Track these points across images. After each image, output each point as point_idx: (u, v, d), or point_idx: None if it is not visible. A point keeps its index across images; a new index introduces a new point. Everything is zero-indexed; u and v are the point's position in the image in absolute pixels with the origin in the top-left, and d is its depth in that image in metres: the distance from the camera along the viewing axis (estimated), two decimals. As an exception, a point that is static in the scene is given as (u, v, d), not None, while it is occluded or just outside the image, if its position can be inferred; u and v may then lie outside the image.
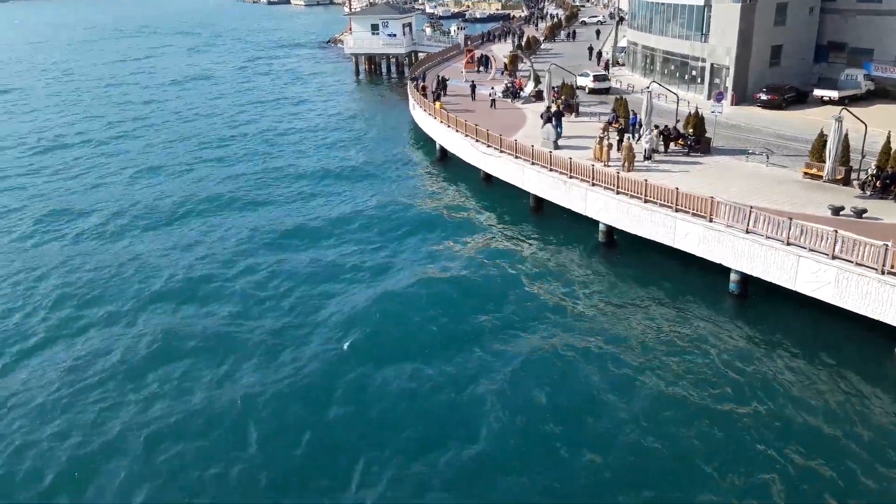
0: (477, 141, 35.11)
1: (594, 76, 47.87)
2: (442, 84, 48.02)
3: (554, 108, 36.51)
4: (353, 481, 16.09)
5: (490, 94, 44.68)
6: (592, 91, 46.25)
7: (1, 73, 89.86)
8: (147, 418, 18.46)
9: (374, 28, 73.07)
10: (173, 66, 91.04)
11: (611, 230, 27.75)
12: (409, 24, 76.77)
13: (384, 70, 76.95)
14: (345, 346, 21.52)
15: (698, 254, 24.09)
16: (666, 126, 32.63)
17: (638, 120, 33.92)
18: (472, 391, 19.20)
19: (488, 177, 35.38)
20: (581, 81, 46.69)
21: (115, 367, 20.77)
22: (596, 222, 28.02)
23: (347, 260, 27.99)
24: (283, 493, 15.86)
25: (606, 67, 52.77)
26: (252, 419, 18.29)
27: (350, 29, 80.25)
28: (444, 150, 40.95)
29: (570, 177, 28.74)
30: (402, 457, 16.73)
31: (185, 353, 21.40)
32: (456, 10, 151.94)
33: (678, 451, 16.52)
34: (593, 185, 27.64)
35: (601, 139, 31.04)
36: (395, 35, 72.80)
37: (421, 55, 71.73)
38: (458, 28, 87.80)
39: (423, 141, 44.79)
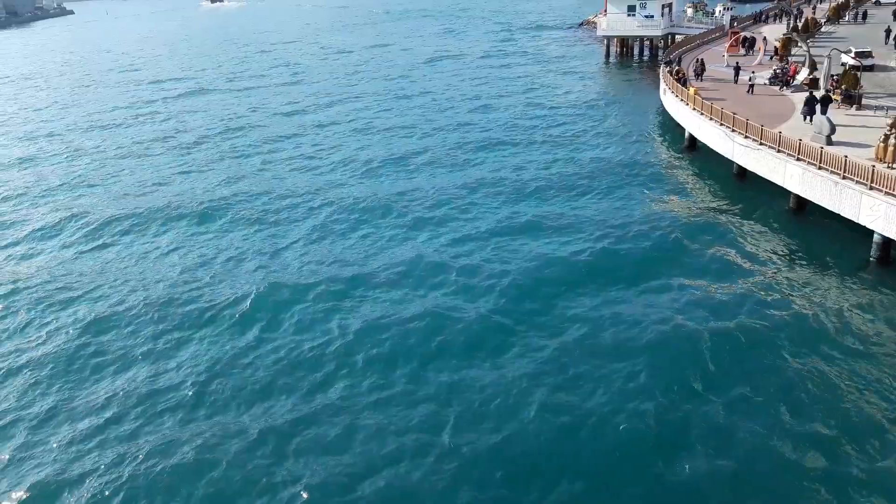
0: (733, 131, 32.13)
1: (856, 53, 42.99)
2: (699, 67, 44.75)
3: (820, 95, 32.10)
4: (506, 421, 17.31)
5: (750, 80, 40.79)
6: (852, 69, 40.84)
7: (287, 52, 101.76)
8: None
9: (631, 9, 70.14)
10: (428, 48, 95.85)
11: (888, 243, 23.76)
12: (670, 5, 72.59)
13: (636, 53, 73.83)
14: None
15: None
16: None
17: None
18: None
19: (742, 171, 32.25)
20: (843, 59, 42.01)
21: (360, 293, 24.16)
22: (870, 232, 24.18)
23: (572, 239, 27.58)
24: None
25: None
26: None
27: (605, 10, 78.00)
28: (693, 140, 38.18)
29: (843, 177, 25.06)
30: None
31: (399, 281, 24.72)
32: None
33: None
34: (871, 188, 23.81)
35: (887, 137, 26.63)
36: (652, 16, 69.30)
37: (679, 38, 67.65)
38: (724, 8, 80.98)
39: (672, 129, 42.17)
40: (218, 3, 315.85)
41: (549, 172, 36.56)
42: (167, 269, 27.33)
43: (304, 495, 15.32)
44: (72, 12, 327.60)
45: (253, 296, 24.06)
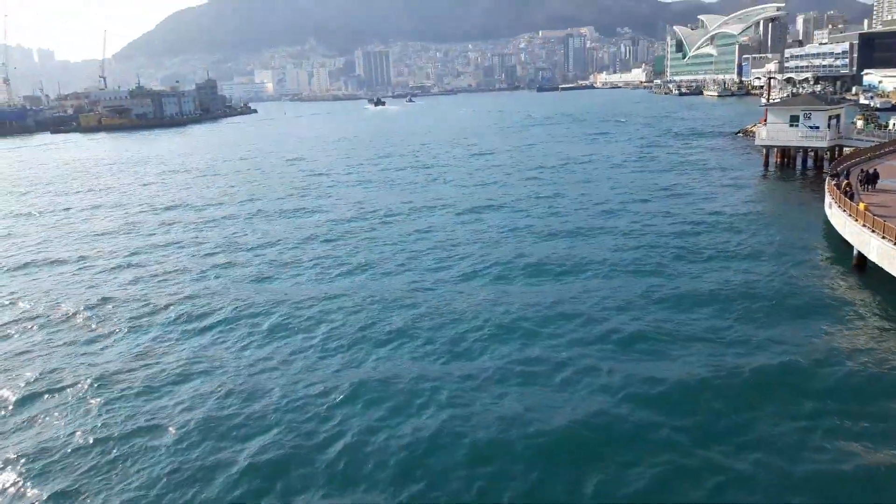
0: (911, 252, 28.71)
1: None
2: (867, 178, 41.16)
3: None
4: None
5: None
6: None
7: (433, 152, 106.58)
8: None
9: (794, 119, 67.19)
10: (575, 150, 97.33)
11: None
12: (837, 117, 68.88)
13: (798, 164, 69.90)
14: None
15: None
16: None
17: None
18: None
19: (922, 298, 28.54)
20: None
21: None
22: None
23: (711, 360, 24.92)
24: None
25: None
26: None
27: (764, 119, 75.24)
28: (862, 259, 34.58)
29: None
30: None
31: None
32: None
33: None
34: None
35: None
36: (817, 127, 65.84)
37: (847, 150, 63.42)
38: (900, 121, 75.74)
39: (838, 246, 38.59)
40: (381, 106, 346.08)
41: (697, 282, 34.29)
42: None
43: None
44: (255, 111, 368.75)
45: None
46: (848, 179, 43.64)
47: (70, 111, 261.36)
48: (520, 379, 24.46)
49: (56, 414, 23.65)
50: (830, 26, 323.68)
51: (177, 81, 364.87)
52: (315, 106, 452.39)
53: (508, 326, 29.45)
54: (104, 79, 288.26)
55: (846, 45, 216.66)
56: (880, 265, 31.88)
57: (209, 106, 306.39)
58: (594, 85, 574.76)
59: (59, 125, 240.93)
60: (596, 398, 22.76)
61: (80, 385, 25.72)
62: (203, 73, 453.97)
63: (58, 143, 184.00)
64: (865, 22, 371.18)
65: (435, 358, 26.64)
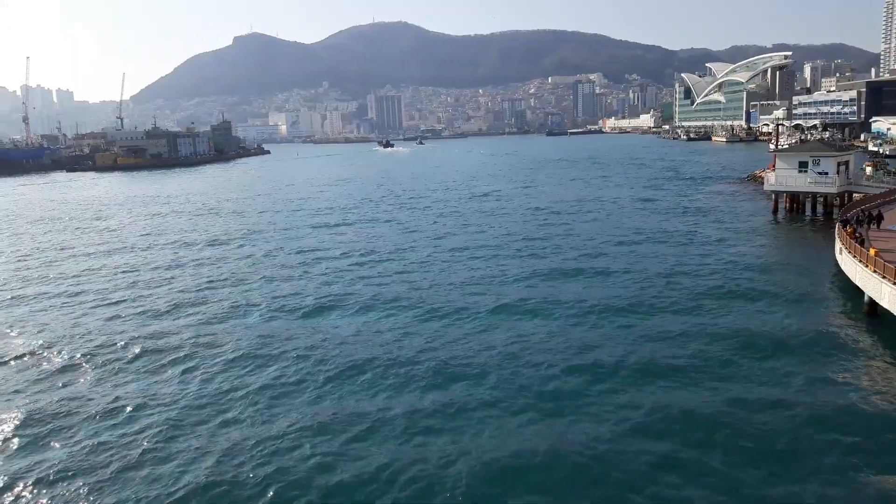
0: (923, 299, 28.36)
1: None
2: (870, 218, 40.88)
3: None
4: None
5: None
6: None
7: (436, 194, 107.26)
8: None
9: (802, 165, 67.34)
10: (586, 192, 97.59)
11: None
12: (846, 163, 68.96)
13: (808, 209, 69.77)
14: None
15: None
16: None
17: None
18: None
19: (936, 345, 28.06)
20: None
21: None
22: None
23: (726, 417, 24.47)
24: None
25: None
26: None
27: (773, 165, 75.52)
28: (873, 305, 34.18)
29: None
30: None
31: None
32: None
33: None
34: None
35: None
36: (826, 173, 65.89)
37: (856, 196, 63.35)
38: (908, 168, 75.84)
39: (849, 292, 38.18)
40: (390, 148, 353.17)
41: (708, 327, 33.83)
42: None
43: None
44: (268, 152, 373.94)
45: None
46: (852, 226, 43.45)
47: (86, 150, 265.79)
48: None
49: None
50: (838, 74, 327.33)
51: (192, 123, 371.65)
52: (327, 148, 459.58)
53: (527, 374, 29.17)
54: (121, 119, 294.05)
55: (854, 93, 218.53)
56: (892, 311, 31.50)
57: (223, 147, 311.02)
58: (603, 130, 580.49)
59: (75, 164, 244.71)
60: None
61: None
62: (218, 115, 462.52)
63: (70, 180, 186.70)
64: (873, 70, 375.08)
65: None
